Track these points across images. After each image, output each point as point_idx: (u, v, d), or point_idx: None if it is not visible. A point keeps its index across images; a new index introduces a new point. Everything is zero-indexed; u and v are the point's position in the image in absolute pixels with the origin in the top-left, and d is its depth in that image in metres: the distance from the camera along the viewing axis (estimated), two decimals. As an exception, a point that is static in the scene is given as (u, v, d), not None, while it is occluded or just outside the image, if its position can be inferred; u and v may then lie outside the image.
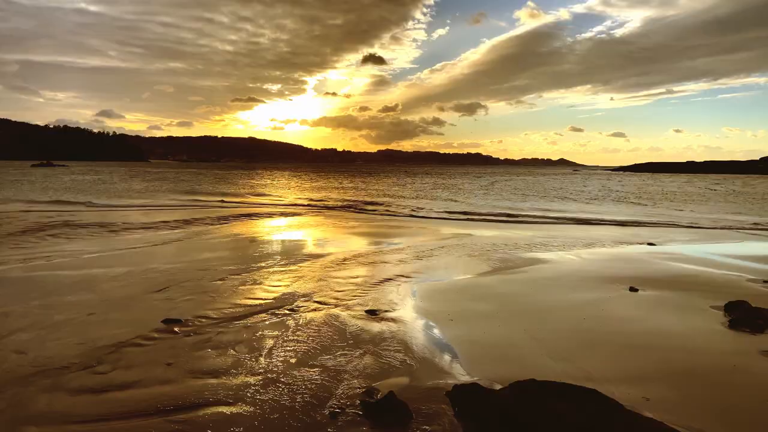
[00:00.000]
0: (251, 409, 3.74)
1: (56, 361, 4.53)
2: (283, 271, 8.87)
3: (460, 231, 15.80)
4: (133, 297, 6.87)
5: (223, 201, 28.51)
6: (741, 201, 34.06)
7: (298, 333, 5.45)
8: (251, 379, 4.24)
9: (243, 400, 3.88)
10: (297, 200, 30.94)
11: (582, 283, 8.15)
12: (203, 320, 5.84)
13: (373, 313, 6.23)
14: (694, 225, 19.11)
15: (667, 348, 5.14)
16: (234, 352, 4.87)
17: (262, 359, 4.69)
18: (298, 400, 3.88)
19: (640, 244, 13.31)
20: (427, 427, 3.44)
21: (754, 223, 20.16)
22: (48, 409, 3.70)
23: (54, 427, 3.46)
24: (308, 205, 27.10)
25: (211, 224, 16.36)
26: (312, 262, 9.77)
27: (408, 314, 6.25)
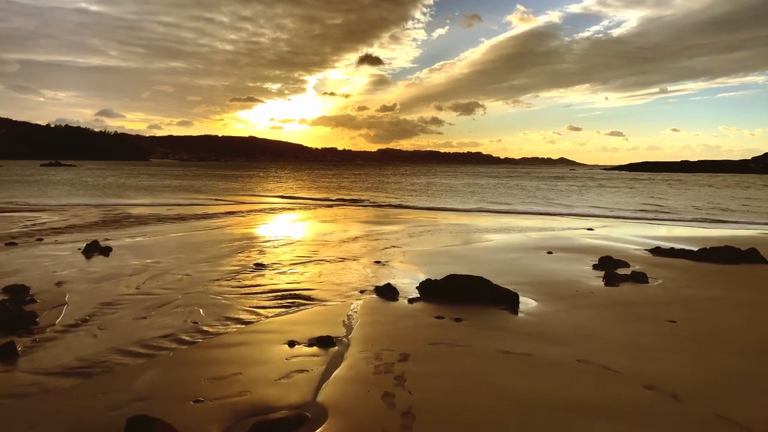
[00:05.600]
0: (318, 291, 7.72)
1: (210, 278, 8.52)
2: (313, 243, 12.86)
3: (446, 218, 19.79)
4: (225, 255, 10.86)
5: (244, 199, 32.49)
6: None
7: (335, 269, 9.45)
8: (315, 284, 8.22)
9: (314, 287, 7.88)
10: (308, 196, 34.97)
11: (517, 249, 12.14)
12: (277, 265, 9.83)
13: (378, 262, 10.21)
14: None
15: (543, 275, 9.12)
16: (301, 275, 8.87)
17: (319, 276, 8.72)
18: (341, 288, 7.89)
19: (581, 229, 17.30)
20: (406, 296, 7.43)
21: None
22: (229, 290, 7.69)
23: (270, 294, 7.42)
24: (319, 200, 31.15)
25: (247, 215, 20.40)
26: (332, 238, 13.76)
27: (401, 263, 10.23)
